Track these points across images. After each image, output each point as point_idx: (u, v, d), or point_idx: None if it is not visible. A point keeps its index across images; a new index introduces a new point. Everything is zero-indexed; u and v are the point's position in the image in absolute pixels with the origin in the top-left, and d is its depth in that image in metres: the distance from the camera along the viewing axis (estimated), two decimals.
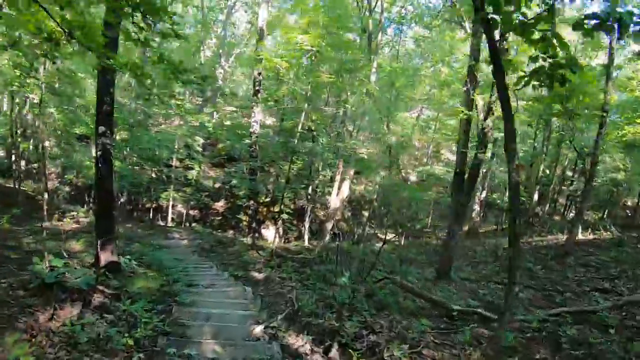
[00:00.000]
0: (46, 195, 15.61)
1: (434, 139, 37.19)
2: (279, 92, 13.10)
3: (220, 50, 29.26)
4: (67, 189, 25.06)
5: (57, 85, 16.75)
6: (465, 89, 13.39)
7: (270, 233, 25.69)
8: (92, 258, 9.41)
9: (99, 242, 8.57)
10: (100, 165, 8.34)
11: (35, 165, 24.81)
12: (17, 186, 15.23)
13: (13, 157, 15.81)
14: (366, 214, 30.83)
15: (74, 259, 9.38)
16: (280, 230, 26.45)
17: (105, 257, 8.56)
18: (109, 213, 8.69)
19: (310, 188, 19.85)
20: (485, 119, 12.78)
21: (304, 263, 15.48)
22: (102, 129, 8.28)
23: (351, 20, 15.90)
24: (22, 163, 21.52)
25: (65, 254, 8.61)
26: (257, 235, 16.41)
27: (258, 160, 15.29)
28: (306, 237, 19.73)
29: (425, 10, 26.17)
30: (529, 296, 12.60)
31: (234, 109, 32.28)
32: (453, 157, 38.42)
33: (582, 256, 16.39)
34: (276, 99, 13.39)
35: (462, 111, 12.96)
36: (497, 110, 12.56)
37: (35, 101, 15.77)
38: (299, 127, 14.05)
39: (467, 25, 22.39)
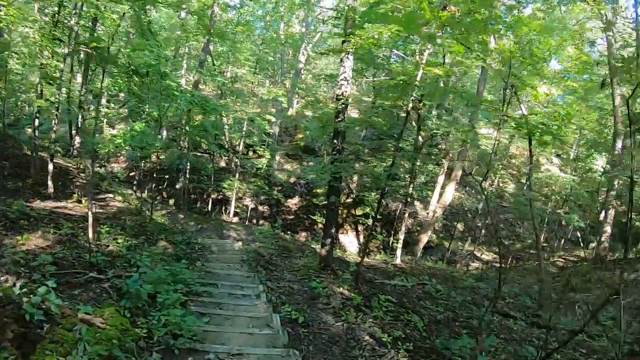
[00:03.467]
0: (51, 167, 10.45)
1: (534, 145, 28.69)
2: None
3: (304, 29, 23.55)
4: (132, 172, 20.65)
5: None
6: None
7: (349, 240, 19.46)
8: None
9: None
10: None
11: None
12: (34, 155, 10.42)
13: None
14: (459, 226, 23.39)
15: None
16: (361, 237, 20.20)
17: None
18: None
19: (411, 188, 13.30)
20: None
21: (404, 298, 9.09)
22: None
23: None
24: (77, 139, 17.02)
25: None
26: (335, 243, 10.19)
27: (343, 143, 9.11)
28: (399, 252, 13.22)
29: None
30: None
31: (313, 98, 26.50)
32: (553, 169, 29.73)
33: None
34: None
35: None
36: None
37: None
38: (419, 76, 7.62)
39: None
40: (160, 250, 8.43)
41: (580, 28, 20.69)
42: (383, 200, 18.64)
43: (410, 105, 8.02)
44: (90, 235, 6.70)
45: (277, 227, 16.80)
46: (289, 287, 8.15)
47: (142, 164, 21.28)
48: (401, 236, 13.19)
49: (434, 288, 10.76)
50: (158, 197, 19.95)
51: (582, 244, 20.68)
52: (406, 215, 13.50)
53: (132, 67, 10.36)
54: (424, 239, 16.53)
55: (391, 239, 16.71)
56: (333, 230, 9.60)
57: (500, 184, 26.95)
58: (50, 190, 10.45)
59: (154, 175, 21.59)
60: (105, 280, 5.39)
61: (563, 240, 23.05)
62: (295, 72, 23.85)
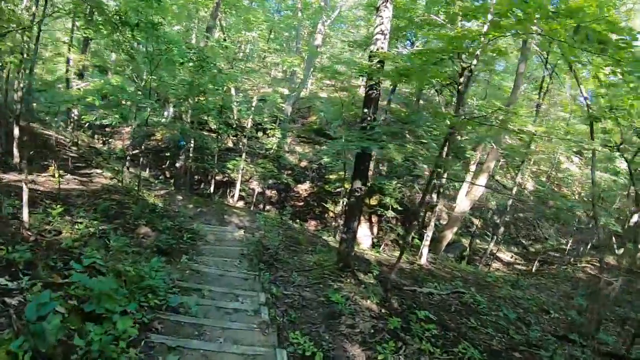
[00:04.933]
0: (16, 132, 8.29)
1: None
2: None
3: (322, 2, 21.04)
4: (135, 150, 18.79)
5: None
6: None
7: (363, 233, 17.20)
8: None
9: None
10: None
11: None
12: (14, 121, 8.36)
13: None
14: (477, 222, 20.98)
15: None
16: (375, 228, 18.03)
17: None
18: None
19: (445, 177, 11.04)
20: None
21: (444, 313, 6.96)
22: None
23: None
24: (75, 112, 14.98)
25: None
26: (350, 238, 7.90)
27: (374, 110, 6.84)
28: (425, 250, 11.04)
29: None
30: None
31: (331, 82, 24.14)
32: (573, 168, 26.81)
33: None
34: None
35: None
36: None
37: None
38: (485, 27, 5.34)
39: None
40: (136, 240, 6.34)
41: None
42: (405, 190, 16.47)
43: (468, 63, 5.76)
44: (25, 217, 4.59)
45: (285, 214, 14.64)
46: (299, 295, 6.02)
47: (145, 141, 19.40)
48: (429, 232, 11.00)
49: (473, 298, 8.60)
50: (160, 177, 17.94)
51: (615, 249, 18.31)
52: (436, 208, 11.30)
53: (119, 14, 8.19)
54: (449, 235, 14.32)
55: (412, 233, 14.51)
56: (356, 224, 7.44)
57: (521, 181, 24.53)
58: (16, 160, 8.38)
59: (151, 153, 19.65)
60: (17, 293, 3.29)
61: (589, 245, 20.58)
62: (311, 52, 21.48)
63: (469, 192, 14.03)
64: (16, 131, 8.07)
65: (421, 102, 21.85)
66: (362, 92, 22.00)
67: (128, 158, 12.37)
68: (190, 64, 8.62)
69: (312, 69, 21.34)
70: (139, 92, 8.42)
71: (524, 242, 22.26)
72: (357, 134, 6.81)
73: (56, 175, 8.42)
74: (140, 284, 4.43)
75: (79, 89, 9.47)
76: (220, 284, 5.80)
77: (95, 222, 6.18)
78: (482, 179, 14.16)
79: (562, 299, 12.22)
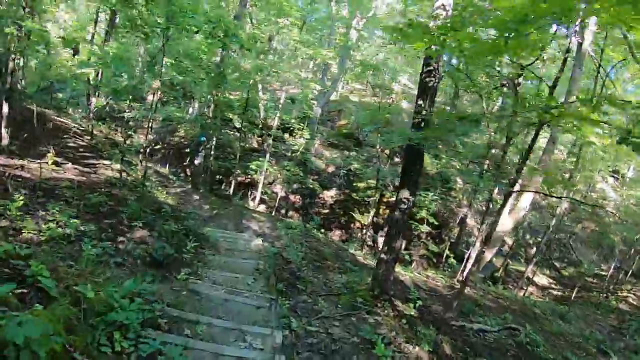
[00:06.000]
0: (5, 109, 7.08)
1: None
2: None
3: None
4: (157, 146, 17.88)
5: None
6: None
7: None
8: None
9: None
10: None
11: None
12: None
13: None
14: (509, 242, 18.96)
15: None
16: (404, 243, 16.32)
17: None
18: None
19: (496, 190, 9.37)
20: None
21: (499, 356, 5.34)
22: None
23: None
24: (93, 100, 14.03)
25: None
26: (391, 259, 6.26)
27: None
28: (467, 274, 9.36)
29: None
30: None
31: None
32: (607, 189, 24.08)
33: None
34: None
35: None
36: None
37: None
38: None
39: None
40: (125, 247, 4.97)
41: None
42: (439, 203, 14.74)
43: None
44: None
45: (311, 224, 13.14)
46: (326, 333, 4.52)
47: (168, 137, 18.41)
48: (473, 254, 9.35)
49: (528, 337, 6.92)
50: (181, 174, 16.80)
51: None
52: (484, 226, 9.66)
53: None
54: (488, 256, 12.47)
55: (446, 251, 12.83)
56: (399, 243, 5.91)
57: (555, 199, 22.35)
58: (5, 142, 7.20)
59: (173, 149, 18.67)
60: None
61: (630, 273, 18.33)
62: (343, 52, 20.04)
63: (512, 210, 12.28)
64: (5, 109, 6.89)
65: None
66: (397, 88, 20.15)
67: (140, 151, 11.16)
68: (210, 40, 7.28)
69: (344, 70, 19.91)
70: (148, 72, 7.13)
71: (557, 264, 20.22)
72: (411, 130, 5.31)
73: (50, 162, 7.19)
74: (106, 317, 3.04)
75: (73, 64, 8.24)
76: (224, 312, 4.36)
77: (76, 220, 4.84)
78: (528, 195, 12.38)
79: (614, 334, 10.60)
